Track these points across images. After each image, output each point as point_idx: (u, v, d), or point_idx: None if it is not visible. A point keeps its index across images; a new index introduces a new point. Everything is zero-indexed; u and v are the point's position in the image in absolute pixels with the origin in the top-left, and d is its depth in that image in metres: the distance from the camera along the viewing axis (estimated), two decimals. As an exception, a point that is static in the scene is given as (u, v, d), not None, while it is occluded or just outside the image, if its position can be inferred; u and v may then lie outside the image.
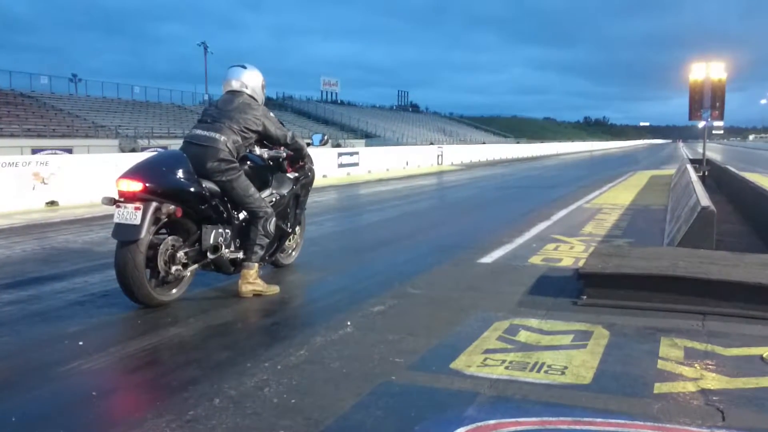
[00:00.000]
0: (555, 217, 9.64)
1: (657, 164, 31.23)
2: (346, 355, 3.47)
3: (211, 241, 4.65)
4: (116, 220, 4.26)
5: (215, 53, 73.30)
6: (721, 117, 17.19)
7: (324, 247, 7.13)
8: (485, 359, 3.34)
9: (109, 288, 5.05)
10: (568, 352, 3.43)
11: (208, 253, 4.65)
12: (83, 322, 4.15)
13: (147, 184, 4.29)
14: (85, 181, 12.08)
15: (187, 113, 47.02)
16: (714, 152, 63.23)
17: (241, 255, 4.84)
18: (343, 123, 65.12)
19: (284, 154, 5.37)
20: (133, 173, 4.38)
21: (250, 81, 5.07)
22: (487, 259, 6.36)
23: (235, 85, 5.02)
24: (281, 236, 5.47)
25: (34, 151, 22.61)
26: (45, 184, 11.55)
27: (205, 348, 3.65)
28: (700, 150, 59.24)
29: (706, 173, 17.62)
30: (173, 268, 4.47)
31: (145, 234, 4.21)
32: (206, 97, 56.34)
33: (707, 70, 16.49)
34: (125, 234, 4.22)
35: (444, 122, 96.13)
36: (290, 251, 6.00)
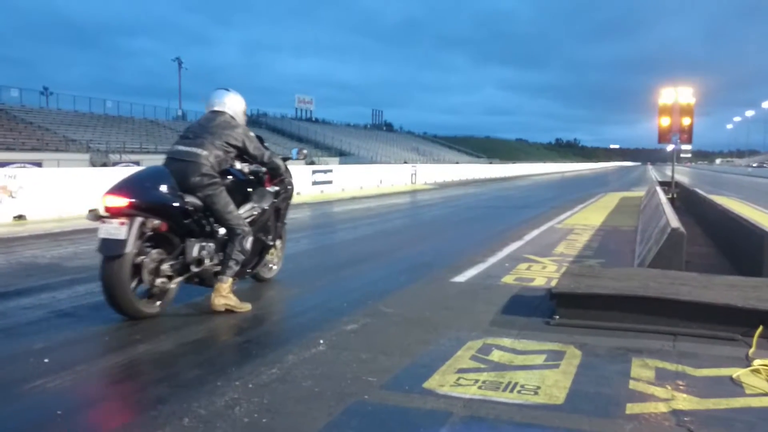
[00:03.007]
0: (527, 237, 9.71)
1: (627, 186, 31.71)
2: (318, 373, 3.43)
3: (195, 255, 4.72)
4: (101, 235, 4.28)
5: (188, 68, 72.74)
6: (689, 141, 17.54)
7: (298, 264, 7.08)
8: (458, 379, 3.33)
9: (77, 304, 4.99)
10: (541, 372, 3.44)
11: (192, 267, 4.74)
12: (50, 339, 4.06)
13: (132, 200, 4.37)
14: (55, 196, 11.89)
15: (160, 128, 46.71)
16: (682, 175, 64.47)
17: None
18: (317, 141, 65.13)
19: (264, 169, 5.48)
20: (119, 189, 4.45)
21: (232, 103, 5.25)
22: (461, 278, 6.37)
23: (217, 106, 5.19)
24: (262, 249, 5.58)
25: (3, 165, 22.19)
26: (13, 197, 11.33)
27: (175, 366, 3.59)
28: (669, 173, 60.58)
29: (675, 195, 17.92)
30: (158, 281, 4.54)
31: (131, 249, 4.27)
32: (180, 113, 56.02)
33: (676, 94, 16.83)
34: (111, 249, 4.26)
35: (418, 141, 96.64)
36: (271, 265, 6.07)
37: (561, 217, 13.20)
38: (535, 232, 10.37)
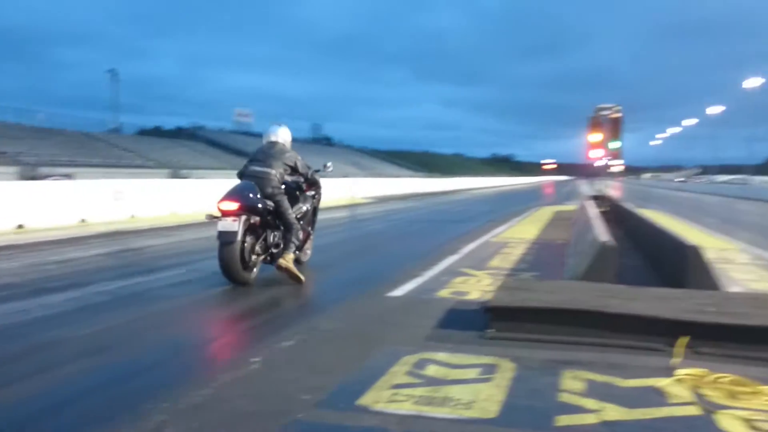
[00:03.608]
0: (464, 251, 9.82)
1: (560, 200, 32.46)
2: (252, 393, 3.37)
3: (273, 241, 6.92)
4: (220, 228, 6.27)
5: (123, 80, 71.22)
6: (617, 157, 18.22)
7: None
8: (393, 394, 3.32)
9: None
10: (475, 386, 3.47)
11: (271, 248, 6.88)
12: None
13: (240, 204, 6.36)
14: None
15: (93, 141, 45.21)
16: (614, 189, 66.55)
17: (286, 256, 6.72)
18: (256, 154, 64.61)
19: (302, 179, 7.59)
20: (230, 197, 6.42)
21: (284, 135, 7.39)
22: (398, 292, 6.38)
23: (273, 137, 7.31)
24: (307, 236, 7.79)
25: None
26: None
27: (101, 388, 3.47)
28: (598, 186, 62.89)
29: (606, 209, 18.45)
30: (253, 258, 6.58)
31: (240, 237, 6.25)
32: (115, 125, 54.56)
33: (605, 112, 17.43)
34: (228, 237, 6.23)
35: (358, 156, 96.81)
36: (307, 250, 7.99)
37: (496, 231, 13.41)
38: (471, 246, 10.50)
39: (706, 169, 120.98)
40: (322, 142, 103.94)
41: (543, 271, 7.89)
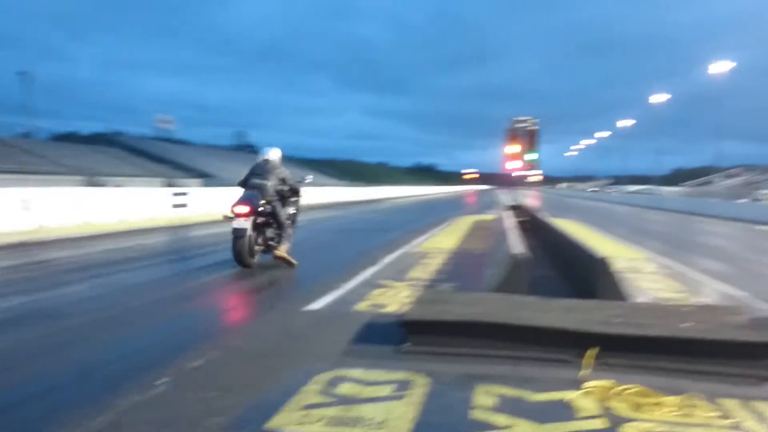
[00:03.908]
0: (384, 262, 9.83)
1: (480, 209, 33.10)
2: (157, 418, 3.22)
3: (270, 235, 9.00)
4: (234, 226, 8.31)
5: (38, 83, 67.98)
6: (533, 168, 18.73)
7: (141, 296, 6.69)
8: (304, 416, 3.24)
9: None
10: (388, 405, 3.42)
11: (269, 241, 8.99)
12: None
13: (250, 208, 8.41)
14: None
15: (1, 146, 42.81)
16: (532, 199, 68.53)
17: (281, 248, 9.10)
18: (178, 162, 62.83)
19: (287, 188, 9.43)
20: (242, 203, 8.43)
21: (274, 154, 9.43)
22: (315, 306, 6.30)
23: (266, 156, 9.36)
24: (290, 234, 9.68)
25: None
26: None
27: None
28: (518, 197, 64.50)
29: (524, 219, 18.90)
30: (256, 248, 8.69)
31: (249, 233, 8.32)
32: (27, 130, 52.03)
33: (522, 124, 17.88)
34: (240, 233, 8.29)
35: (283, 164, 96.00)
36: (287, 242, 9.57)
37: (417, 241, 13.50)
38: (391, 257, 10.51)
39: (618, 180, 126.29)
40: (247, 150, 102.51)
41: (461, 282, 7.97)
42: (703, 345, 4.26)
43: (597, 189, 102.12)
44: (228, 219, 8.49)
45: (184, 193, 21.11)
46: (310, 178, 10.80)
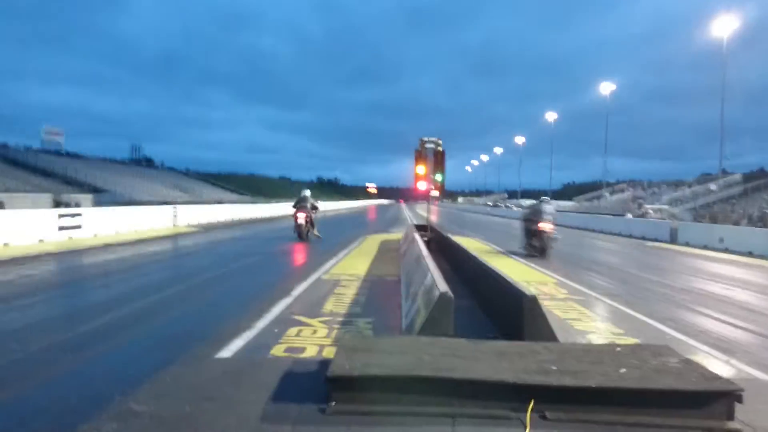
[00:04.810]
0: (295, 293, 9.36)
1: (385, 227, 33.07)
2: None
3: (308, 226, 20.75)
4: (299, 222, 20.40)
5: None
6: (441, 189, 18.84)
7: (25, 345, 5.93)
8: None
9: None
10: (321, 490, 3.02)
11: (310, 228, 20.86)
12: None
13: (305, 212, 20.60)
14: None
15: None
16: (432, 214, 69.32)
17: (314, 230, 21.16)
18: (68, 176, 59.37)
19: (312, 207, 21.29)
20: (301, 211, 20.55)
21: (306, 193, 21.30)
22: (226, 352, 5.78)
23: (304, 194, 21.12)
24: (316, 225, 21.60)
25: None
26: None
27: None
28: (419, 211, 64.60)
29: (429, 237, 18.88)
30: (306, 231, 20.57)
31: (304, 222, 20.44)
32: None
33: (429, 145, 17.93)
34: (300, 223, 20.43)
35: (180, 178, 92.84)
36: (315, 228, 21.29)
37: (327, 266, 13.08)
38: (302, 286, 10.05)
39: (512, 194, 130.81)
40: (143, 163, 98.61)
41: (378, 316, 7.66)
42: (642, 395, 4.12)
43: (492, 203, 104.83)
44: (294, 215, 20.59)
45: (76, 214, 19.54)
46: (320, 203, 23.06)
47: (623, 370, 4.44)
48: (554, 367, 4.50)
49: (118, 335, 6.46)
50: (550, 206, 17.08)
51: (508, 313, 6.60)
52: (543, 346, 5.16)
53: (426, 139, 18.07)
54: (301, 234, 20.14)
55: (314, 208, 21.02)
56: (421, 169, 18.02)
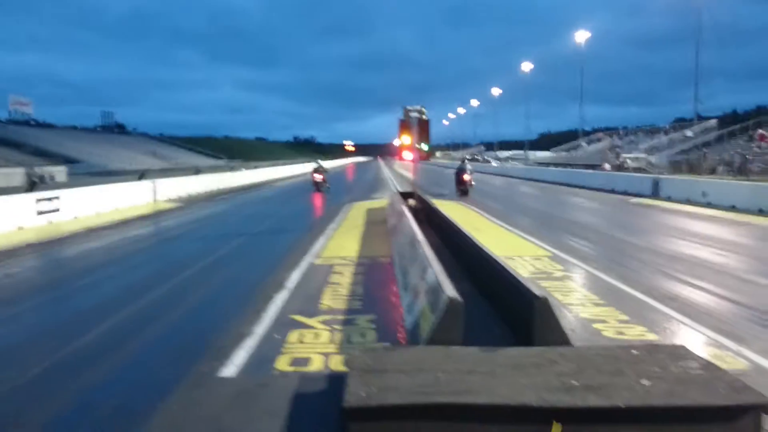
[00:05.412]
0: (289, 284, 9.15)
1: (367, 191, 32.77)
2: None
3: (323, 181, 31.51)
4: (316, 180, 31.17)
5: None
6: (427, 158, 18.65)
7: (17, 370, 5.68)
8: None
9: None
10: None
11: (325, 183, 31.45)
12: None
13: (321, 173, 31.56)
14: None
15: None
16: (406, 170, 69.16)
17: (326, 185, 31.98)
18: (38, 146, 58.12)
19: (325, 169, 32.90)
20: (318, 173, 31.44)
21: (320, 161, 36.46)
22: (230, 368, 5.59)
23: (318, 162, 34.31)
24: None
25: None
26: None
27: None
28: (398, 169, 64.29)
29: (416, 207, 18.63)
30: (321, 186, 31.21)
31: (321, 180, 31.22)
32: None
33: (414, 114, 17.65)
34: (318, 180, 31.23)
35: (154, 144, 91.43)
36: (327, 186, 31.98)
37: (317, 247, 12.86)
38: (296, 275, 9.83)
39: (489, 146, 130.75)
40: (115, 130, 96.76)
41: (379, 312, 7.50)
42: (670, 411, 4.04)
43: (477, 158, 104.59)
44: (313, 174, 31.51)
45: (54, 197, 18.98)
46: (327, 166, 35.55)
47: (647, 383, 4.34)
48: (576, 382, 4.39)
49: (114, 353, 6.21)
50: (469, 166, 29.07)
51: (513, 309, 6.49)
52: (558, 353, 5.04)
53: (410, 108, 18.34)
54: (318, 188, 31.10)
55: (325, 171, 32.29)
56: (406, 138, 17.77)
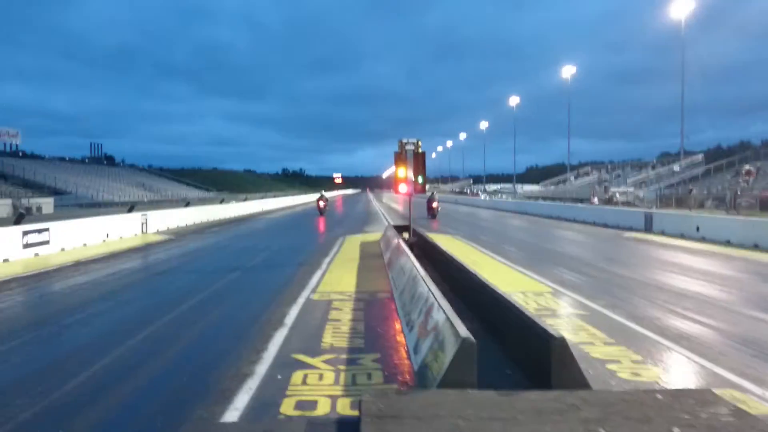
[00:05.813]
0: (289, 321, 8.88)
1: (359, 224, 32.58)
2: None
3: (326, 206, 43.84)
4: (319, 206, 42.90)
5: None
6: (423, 190, 18.51)
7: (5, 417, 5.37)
8: None
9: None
10: None
11: (326, 209, 43.46)
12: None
13: (324, 200, 43.64)
14: None
15: None
16: (394, 202, 68.96)
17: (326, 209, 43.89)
18: (26, 178, 57.58)
19: (326, 198, 45.61)
20: (322, 201, 43.31)
21: (323, 191, 48.37)
22: (233, 413, 5.32)
23: (321, 193, 46.87)
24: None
25: None
26: None
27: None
28: (388, 202, 65.52)
29: (412, 241, 18.44)
30: (323, 210, 42.91)
31: (324, 206, 42.81)
32: None
33: (410, 147, 17.55)
34: (322, 207, 42.77)
35: (143, 176, 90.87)
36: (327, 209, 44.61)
37: (313, 281, 12.62)
38: (294, 312, 9.57)
39: (476, 179, 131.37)
40: (104, 162, 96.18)
41: (383, 351, 7.25)
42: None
43: (465, 192, 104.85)
44: (317, 202, 43.66)
45: (43, 229, 18.62)
46: (327, 198, 45.60)
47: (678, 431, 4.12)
48: (603, 431, 4.16)
49: (105, 397, 5.89)
50: (437, 195, 39.76)
51: (525, 349, 6.25)
52: (580, 397, 4.82)
53: (405, 141, 17.62)
54: (321, 213, 41.43)
55: (326, 199, 43.22)
56: (401, 171, 17.59)
